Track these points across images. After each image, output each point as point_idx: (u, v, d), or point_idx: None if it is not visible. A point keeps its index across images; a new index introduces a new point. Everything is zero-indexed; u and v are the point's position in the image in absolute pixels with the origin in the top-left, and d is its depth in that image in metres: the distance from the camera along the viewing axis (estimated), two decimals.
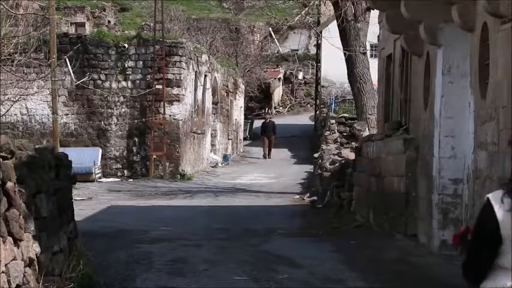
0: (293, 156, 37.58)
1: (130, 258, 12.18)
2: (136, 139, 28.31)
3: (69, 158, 10.02)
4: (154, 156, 27.95)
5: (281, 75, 50.71)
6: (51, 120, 24.09)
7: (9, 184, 6.90)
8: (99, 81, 28.27)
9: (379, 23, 17.90)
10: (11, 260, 6.94)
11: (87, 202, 21.02)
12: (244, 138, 42.46)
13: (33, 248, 7.59)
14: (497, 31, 9.57)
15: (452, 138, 12.19)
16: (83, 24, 45.20)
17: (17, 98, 22.85)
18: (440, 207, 12.29)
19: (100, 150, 27.57)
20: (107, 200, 21.96)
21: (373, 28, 22.66)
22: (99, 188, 25.25)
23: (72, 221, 9.76)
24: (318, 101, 41.54)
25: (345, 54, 22.93)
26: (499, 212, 3.38)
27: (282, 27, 40.18)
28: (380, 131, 17.57)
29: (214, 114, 34.50)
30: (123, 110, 28.27)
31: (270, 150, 37.48)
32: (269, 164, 35.03)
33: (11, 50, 19.01)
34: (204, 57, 31.77)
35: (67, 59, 26.18)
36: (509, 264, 3.27)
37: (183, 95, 28.52)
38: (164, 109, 27.98)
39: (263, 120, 40.27)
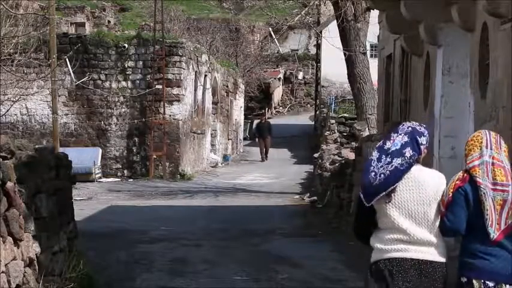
0: (293, 156, 37.57)
1: (130, 258, 12.20)
2: (136, 139, 28.30)
3: (69, 158, 10.02)
4: (154, 156, 27.94)
5: (281, 75, 50.71)
6: (51, 120, 24.05)
7: (9, 184, 6.89)
8: (99, 81, 28.26)
9: (379, 23, 17.89)
10: (11, 260, 6.94)
11: (87, 202, 21.01)
12: (244, 138, 42.45)
13: (33, 248, 7.59)
14: (497, 31, 9.57)
15: (452, 138, 12.16)
16: (82, 24, 45.17)
17: (17, 98, 22.85)
18: None
19: (100, 150, 27.56)
20: (107, 200, 21.95)
21: (373, 28, 22.65)
22: (99, 188, 25.23)
23: (72, 221, 9.76)
24: (317, 101, 41.56)
25: (344, 54, 22.91)
26: None
27: (282, 27, 40.23)
28: (380, 131, 17.56)
29: (214, 114, 34.48)
30: (123, 110, 28.26)
31: (266, 152, 37.07)
32: (269, 164, 34.99)
33: (11, 50, 19.02)
34: (204, 57, 31.77)
35: (67, 59, 26.18)
36: (382, 225, 4.85)
37: (183, 95, 28.51)
38: (164, 109, 27.97)
39: (258, 121, 40.05)
